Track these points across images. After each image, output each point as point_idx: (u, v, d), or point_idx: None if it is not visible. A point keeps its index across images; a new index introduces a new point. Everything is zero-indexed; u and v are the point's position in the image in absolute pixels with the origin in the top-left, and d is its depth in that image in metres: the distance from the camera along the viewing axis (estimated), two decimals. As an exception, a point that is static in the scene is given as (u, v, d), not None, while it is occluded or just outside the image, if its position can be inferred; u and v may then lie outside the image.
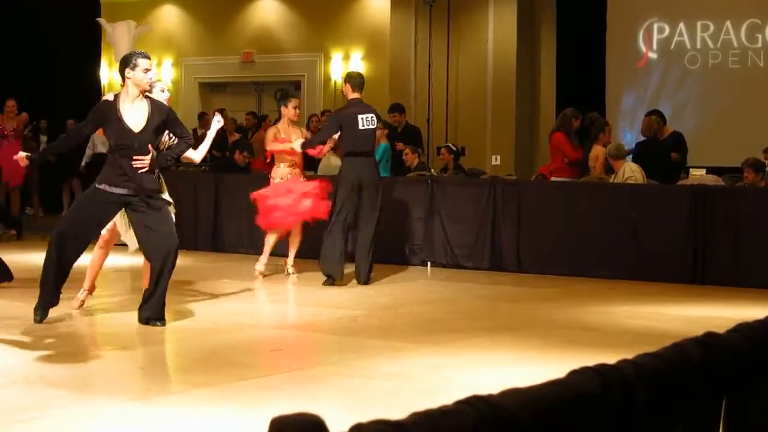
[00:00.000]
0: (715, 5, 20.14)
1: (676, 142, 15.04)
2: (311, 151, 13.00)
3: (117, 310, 10.77)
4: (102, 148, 20.78)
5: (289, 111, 12.88)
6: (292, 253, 13.12)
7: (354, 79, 12.77)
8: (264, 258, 12.94)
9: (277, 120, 13.39)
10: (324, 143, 12.81)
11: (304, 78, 21.73)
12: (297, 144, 12.58)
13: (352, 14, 21.17)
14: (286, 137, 12.78)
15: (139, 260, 14.81)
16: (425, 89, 20.88)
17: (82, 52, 22.95)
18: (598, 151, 14.75)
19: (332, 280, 12.25)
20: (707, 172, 14.70)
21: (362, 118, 12.31)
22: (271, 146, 12.85)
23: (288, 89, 14.22)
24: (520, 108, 21.28)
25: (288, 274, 13.02)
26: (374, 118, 12.46)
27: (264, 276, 12.86)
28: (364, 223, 12.45)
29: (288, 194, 12.78)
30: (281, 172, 12.91)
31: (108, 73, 23.44)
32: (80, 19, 21.42)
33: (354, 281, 12.45)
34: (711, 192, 12.99)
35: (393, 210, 14.31)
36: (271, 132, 13.00)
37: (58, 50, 22.65)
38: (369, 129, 12.38)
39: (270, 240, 12.95)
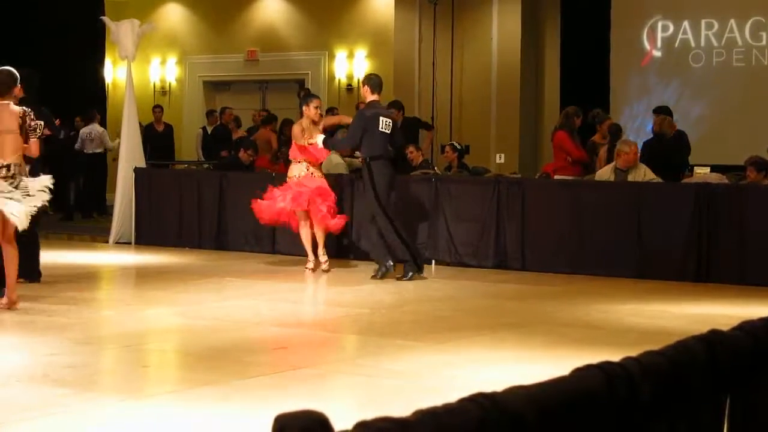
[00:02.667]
0: (719, 3, 20.12)
1: (678, 141, 15.04)
2: (320, 152, 13.13)
3: (120, 307, 10.78)
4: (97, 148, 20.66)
5: (310, 111, 13.10)
6: (320, 246, 13.18)
7: (372, 81, 12.83)
8: (310, 255, 13.21)
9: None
10: (353, 147, 13.08)
11: (308, 76, 21.74)
12: (319, 139, 12.76)
13: (356, 12, 21.17)
14: (308, 135, 12.97)
15: (144, 258, 14.85)
16: (429, 87, 20.87)
17: (86, 50, 22.97)
18: (605, 153, 14.78)
19: (414, 270, 12.49)
20: (711, 171, 14.71)
21: (382, 120, 12.44)
22: (301, 142, 13.08)
23: (309, 90, 14.40)
24: (524, 106, 21.25)
25: (323, 270, 13.13)
26: (390, 123, 12.60)
27: (313, 270, 13.09)
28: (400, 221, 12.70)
29: (295, 188, 12.94)
30: (298, 169, 13.08)
31: (112, 71, 23.46)
32: (84, 18, 21.44)
33: (366, 278, 12.51)
34: (715, 190, 12.99)
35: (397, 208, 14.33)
36: (297, 128, 13.20)
37: (62, 49, 22.66)
38: (385, 132, 12.47)
39: (303, 236, 13.17)
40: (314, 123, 13.13)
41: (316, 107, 13.14)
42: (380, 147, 12.47)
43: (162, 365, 8.38)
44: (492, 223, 13.85)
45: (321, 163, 13.48)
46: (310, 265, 13.14)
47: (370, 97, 12.63)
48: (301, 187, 13.01)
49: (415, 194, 14.35)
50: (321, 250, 13.19)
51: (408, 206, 14.31)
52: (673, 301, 11.19)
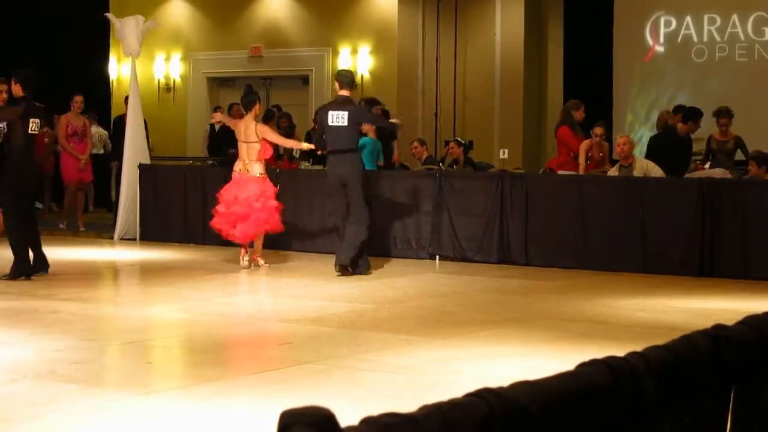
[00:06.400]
0: (722, -2, 20.14)
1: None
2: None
3: (126, 304, 10.80)
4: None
5: (259, 109, 13.25)
6: (258, 244, 13.23)
7: (341, 76, 12.93)
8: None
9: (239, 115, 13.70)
10: (316, 141, 13.17)
11: (312, 72, 21.73)
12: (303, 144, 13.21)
13: (360, 8, 21.16)
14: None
15: (149, 254, 14.86)
16: (433, 83, 20.87)
17: (90, 47, 22.97)
18: (584, 147, 14.71)
19: (343, 269, 12.44)
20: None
21: (332, 115, 12.43)
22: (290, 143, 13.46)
23: (252, 86, 14.31)
24: (527, 102, 21.26)
25: (258, 265, 13.13)
26: (345, 116, 12.48)
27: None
28: (350, 218, 12.61)
29: (236, 203, 12.97)
30: (239, 165, 13.13)
31: (116, 68, 23.46)
32: (88, 15, 21.43)
33: (362, 275, 12.50)
34: (718, 185, 12.99)
35: (401, 203, 14.34)
36: (242, 125, 13.30)
37: (67, 46, 22.67)
38: (338, 125, 12.44)
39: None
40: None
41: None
42: (331, 142, 12.56)
43: (167, 361, 8.39)
44: (496, 219, 13.86)
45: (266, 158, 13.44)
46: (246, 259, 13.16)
47: (340, 92, 12.72)
48: (236, 199, 13.03)
49: (419, 189, 14.36)
50: (260, 250, 13.26)
51: (412, 201, 14.33)
52: (676, 295, 11.20)
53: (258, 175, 13.02)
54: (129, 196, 16.37)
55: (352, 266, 12.46)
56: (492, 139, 20.88)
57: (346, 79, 12.78)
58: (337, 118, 12.43)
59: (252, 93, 13.62)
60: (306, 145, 13.65)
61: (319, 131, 13.03)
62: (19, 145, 11.64)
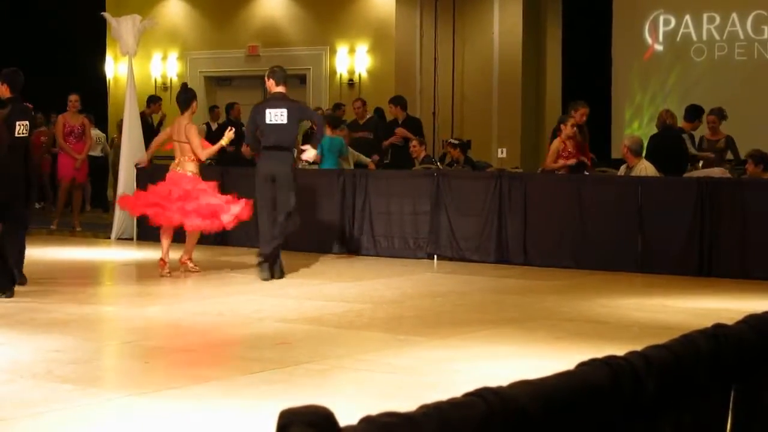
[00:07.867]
0: (720, -3, 20.16)
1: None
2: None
3: (123, 304, 10.79)
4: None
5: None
6: (188, 246, 12.96)
7: (276, 74, 12.68)
8: (163, 253, 12.67)
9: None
10: (249, 141, 12.95)
11: (309, 71, 21.73)
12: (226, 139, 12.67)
13: (358, 7, 21.16)
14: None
15: (145, 254, 14.84)
16: (431, 82, 20.86)
17: (86, 46, 22.96)
18: (554, 145, 14.62)
19: (264, 259, 12.29)
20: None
21: (269, 113, 12.32)
22: (205, 153, 13.00)
23: (190, 89, 13.92)
24: (526, 101, 21.26)
25: (187, 269, 12.84)
26: (284, 113, 12.33)
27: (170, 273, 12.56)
28: (277, 215, 12.42)
29: (171, 194, 12.56)
30: (173, 164, 12.91)
31: (113, 67, 23.44)
32: (85, 14, 21.42)
33: (367, 274, 12.47)
34: (717, 184, 12.98)
35: (399, 203, 14.33)
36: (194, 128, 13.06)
37: (63, 45, 22.67)
38: (277, 124, 12.30)
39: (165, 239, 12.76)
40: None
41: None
42: (272, 139, 12.31)
43: (164, 361, 8.37)
44: (494, 218, 13.85)
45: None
46: (167, 269, 12.55)
47: (275, 89, 12.56)
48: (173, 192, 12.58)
49: (416, 189, 14.34)
50: (191, 254, 12.98)
51: (410, 201, 14.32)
52: (675, 295, 11.19)
53: (189, 173, 12.76)
54: (126, 196, 16.35)
55: (272, 267, 12.35)
56: (490, 139, 20.88)
57: (280, 76, 12.66)
58: (276, 115, 12.32)
59: (188, 91, 13.43)
60: (226, 140, 13.16)
61: (250, 130, 12.70)
62: (1, 147, 10.99)
